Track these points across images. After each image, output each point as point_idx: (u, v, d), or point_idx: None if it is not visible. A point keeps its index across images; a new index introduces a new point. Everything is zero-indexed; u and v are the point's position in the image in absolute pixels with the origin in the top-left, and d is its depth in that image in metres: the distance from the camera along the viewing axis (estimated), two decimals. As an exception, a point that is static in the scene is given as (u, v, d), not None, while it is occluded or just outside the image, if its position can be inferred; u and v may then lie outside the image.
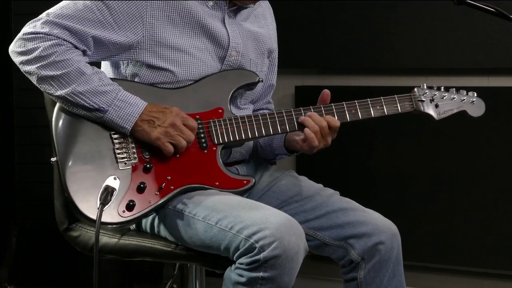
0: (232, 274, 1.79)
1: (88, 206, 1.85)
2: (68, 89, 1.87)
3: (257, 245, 1.74)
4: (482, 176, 3.07)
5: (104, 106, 1.88)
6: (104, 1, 1.90)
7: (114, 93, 1.89)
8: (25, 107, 3.14)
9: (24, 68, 1.90)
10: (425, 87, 2.08)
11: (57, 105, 1.93)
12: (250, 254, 1.75)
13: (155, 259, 2.01)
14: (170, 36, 1.96)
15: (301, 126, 1.99)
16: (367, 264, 2.00)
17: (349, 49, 3.27)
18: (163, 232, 1.97)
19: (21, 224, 3.24)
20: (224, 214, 1.83)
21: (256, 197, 2.10)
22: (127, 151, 1.91)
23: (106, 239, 2.01)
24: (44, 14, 1.91)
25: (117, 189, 1.87)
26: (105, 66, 2.06)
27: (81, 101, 1.87)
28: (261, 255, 1.73)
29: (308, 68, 3.41)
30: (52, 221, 2.16)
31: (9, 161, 3.26)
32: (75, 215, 1.89)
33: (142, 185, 1.89)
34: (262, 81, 2.09)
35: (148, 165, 1.91)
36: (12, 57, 1.93)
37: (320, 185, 2.14)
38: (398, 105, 2.06)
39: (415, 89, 2.08)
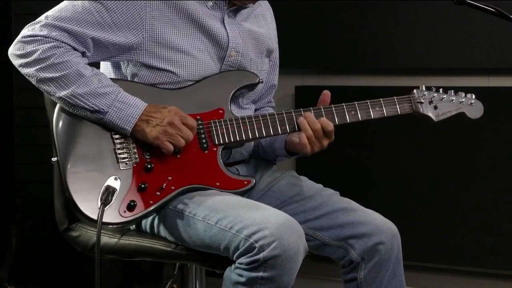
0: (232, 274, 1.80)
1: (89, 206, 1.85)
2: (67, 91, 1.87)
3: (256, 245, 1.74)
4: (482, 176, 3.07)
5: (104, 108, 1.88)
6: (103, 2, 1.90)
7: (114, 94, 1.89)
8: (25, 107, 3.14)
9: (23, 71, 1.90)
10: (424, 88, 2.09)
11: (58, 105, 1.93)
12: (250, 254, 1.75)
13: (155, 259, 2.01)
14: (169, 37, 1.96)
15: (300, 129, 2.00)
16: (367, 264, 2.00)
17: (349, 49, 3.27)
18: (163, 232, 1.97)
19: (21, 224, 3.24)
20: (224, 214, 1.83)
21: (256, 197, 2.10)
22: (128, 151, 1.92)
23: (106, 239, 2.01)
24: (42, 17, 1.91)
25: (118, 189, 1.87)
26: (106, 66, 2.06)
27: (81, 103, 1.87)
28: (261, 255, 1.73)
29: (308, 68, 3.41)
30: (52, 221, 2.16)
31: (9, 161, 3.25)
32: (76, 215, 1.90)
33: (143, 185, 1.89)
34: (262, 82, 2.09)
35: (149, 165, 1.91)
36: (11, 60, 1.93)
37: (320, 185, 2.14)
38: (398, 106, 2.06)
39: (414, 91, 2.09)
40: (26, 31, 1.90)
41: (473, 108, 2.12)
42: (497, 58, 3.01)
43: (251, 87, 2.07)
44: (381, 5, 3.18)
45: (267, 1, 2.23)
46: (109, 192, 1.85)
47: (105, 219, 1.82)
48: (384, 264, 2.00)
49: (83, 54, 1.92)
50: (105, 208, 1.83)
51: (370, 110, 2.04)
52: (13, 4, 3.12)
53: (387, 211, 2.07)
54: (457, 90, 2.14)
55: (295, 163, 3.34)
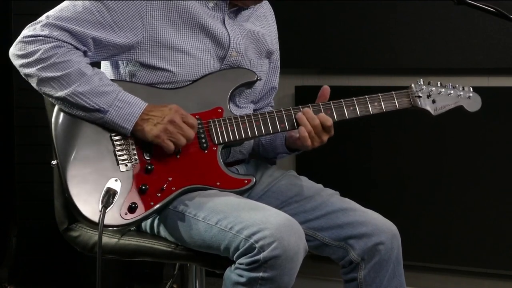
0: (232, 274, 1.80)
1: (90, 209, 1.85)
2: (68, 90, 1.87)
3: (257, 245, 1.74)
4: (482, 176, 3.07)
5: (104, 107, 1.88)
6: (104, 2, 1.90)
7: (115, 93, 1.89)
8: (25, 107, 3.14)
9: (24, 71, 1.90)
10: (421, 82, 2.08)
11: (56, 107, 1.93)
12: (250, 254, 1.75)
13: (155, 259, 2.01)
14: (170, 37, 1.96)
15: (299, 124, 1.99)
16: (367, 264, 2.00)
17: (349, 49, 3.27)
18: (163, 232, 1.97)
19: (21, 224, 3.23)
20: (224, 214, 1.83)
21: (256, 197, 2.10)
22: (127, 152, 1.91)
23: (106, 239, 2.01)
24: (43, 17, 1.91)
25: (118, 191, 1.87)
26: (105, 66, 2.06)
27: (82, 101, 1.87)
28: (261, 255, 1.73)
29: (308, 68, 3.41)
30: (52, 221, 2.16)
31: (9, 161, 3.25)
32: (77, 218, 1.89)
33: (143, 187, 1.89)
34: (261, 79, 2.09)
35: (149, 167, 1.91)
36: (12, 60, 1.93)
37: (320, 185, 2.14)
38: (396, 101, 2.06)
39: (412, 85, 2.09)
40: (27, 31, 1.90)
41: (471, 101, 2.12)
42: (497, 58, 3.01)
43: (250, 84, 2.07)
44: (381, 5, 3.18)
45: (268, 3, 2.23)
46: (109, 195, 1.84)
47: (106, 222, 1.81)
48: (384, 264, 2.00)
49: (85, 54, 1.92)
50: (106, 211, 1.82)
51: (369, 105, 2.04)
52: (13, 4, 3.12)
53: (387, 211, 2.07)
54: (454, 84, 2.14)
55: (295, 163, 3.34)
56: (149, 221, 2.00)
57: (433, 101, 2.09)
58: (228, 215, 1.82)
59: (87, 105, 1.87)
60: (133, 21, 1.92)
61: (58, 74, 1.87)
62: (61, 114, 1.92)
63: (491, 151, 3.05)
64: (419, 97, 2.08)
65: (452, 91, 2.10)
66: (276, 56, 2.25)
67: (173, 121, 1.89)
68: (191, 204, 1.90)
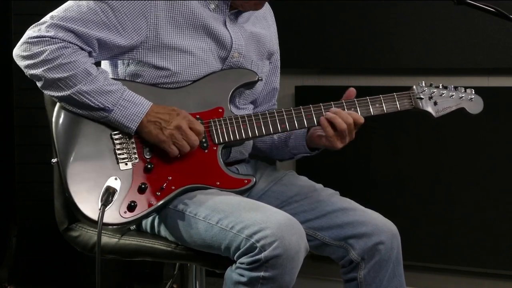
0: (233, 274, 1.80)
1: (90, 207, 1.85)
2: (74, 89, 1.87)
3: (258, 244, 1.74)
4: (482, 176, 3.07)
5: (109, 106, 1.88)
6: (108, 2, 1.90)
7: (120, 92, 1.89)
8: (25, 107, 3.14)
9: (29, 72, 1.90)
10: (423, 84, 2.08)
11: (57, 106, 1.93)
12: (251, 254, 1.75)
13: (155, 259, 2.01)
14: (173, 37, 1.96)
15: (301, 125, 1.99)
16: (367, 264, 2.00)
17: (349, 49, 3.27)
18: (164, 232, 1.97)
19: (21, 224, 3.23)
20: (224, 214, 1.83)
21: (256, 197, 2.10)
22: (127, 151, 1.91)
23: (106, 239, 2.01)
24: (48, 17, 1.90)
25: (118, 189, 1.87)
26: (105, 65, 2.06)
27: (87, 100, 1.87)
28: (262, 255, 1.73)
29: (308, 68, 3.41)
30: (52, 221, 2.16)
31: (9, 161, 3.25)
32: (77, 216, 1.89)
33: (143, 186, 1.89)
34: (261, 79, 2.09)
35: (149, 166, 1.91)
36: (17, 61, 1.93)
37: (320, 185, 2.14)
38: (397, 103, 2.06)
39: (414, 87, 2.09)
40: (31, 32, 1.90)
41: (473, 103, 2.11)
42: (497, 58, 3.02)
43: (251, 85, 2.07)
44: (381, 5, 3.18)
45: (267, 3, 2.23)
46: (109, 193, 1.85)
47: (105, 220, 1.82)
48: (384, 264, 2.00)
49: (90, 54, 1.92)
50: (106, 209, 1.82)
51: (370, 106, 2.04)
52: (13, 4, 3.11)
53: (387, 211, 2.07)
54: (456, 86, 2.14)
55: (295, 163, 3.34)
56: (149, 220, 2.00)
57: (435, 103, 2.09)
58: (228, 214, 1.83)
59: (92, 104, 1.88)
60: (138, 22, 1.92)
61: (65, 75, 1.87)
62: (62, 113, 1.92)
63: (491, 151, 3.05)
64: (421, 98, 2.08)
65: (454, 93, 2.10)
66: (276, 57, 2.25)
67: (179, 127, 1.89)
68: (192, 203, 1.90)
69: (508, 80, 3.06)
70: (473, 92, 2.12)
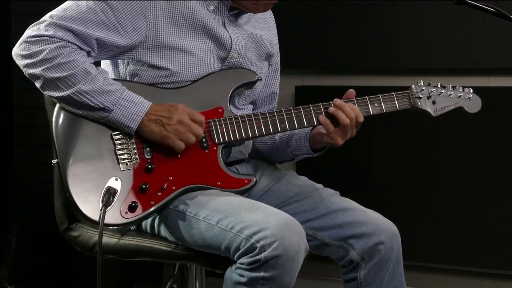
0: (233, 274, 1.80)
1: (90, 208, 1.85)
2: (73, 89, 1.87)
3: (257, 245, 1.74)
4: (482, 176, 3.07)
5: (109, 105, 1.88)
6: (108, 1, 1.90)
7: (119, 92, 1.89)
8: (25, 107, 3.14)
9: (28, 71, 1.90)
10: (422, 83, 2.09)
11: (57, 106, 1.93)
12: (251, 254, 1.75)
13: (155, 259, 2.01)
14: (172, 37, 1.96)
15: (301, 125, 2.00)
16: (367, 264, 2.00)
17: (349, 49, 3.27)
18: (164, 232, 1.97)
19: (21, 224, 3.23)
20: (224, 214, 1.83)
21: (256, 197, 2.10)
22: (128, 151, 1.91)
23: (106, 239, 2.01)
24: (47, 16, 1.90)
25: (119, 190, 1.87)
26: (105, 65, 2.06)
27: (86, 100, 1.87)
28: (262, 255, 1.73)
29: (308, 68, 3.41)
30: (52, 221, 2.16)
31: (9, 161, 3.25)
32: (77, 216, 1.89)
33: (144, 186, 1.89)
34: (261, 79, 2.09)
35: (149, 166, 1.91)
36: (16, 60, 1.92)
37: (320, 185, 2.14)
38: (396, 102, 2.06)
39: (413, 86, 2.09)
40: (30, 31, 1.90)
41: (471, 102, 2.12)
42: (497, 58, 3.02)
43: (250, 85, 2.07)
44: (381, 5, 3.18)
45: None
46: (110, 194, 1.84)
47: (106, 221, 1.81)
48: (384, 264, 2.00)
49: (88, 54, 1.92)
50: (107, 210, 1.82)
51: (369, 106, 2.04)
52: (13, 4, 3.12)
53: (387, 211, 2.07)
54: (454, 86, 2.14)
55: (295, 163, 3.34)
56: (149, 220, 2.00)
57: (433, 102, 2.09)
58: (228, 214, 1.83)
59: (92, 104, 1.88)
60: (137, 21, 1.92)
61: (64, 74, 1.87)
62: (62, 113, 1.92)
63: (491, 151, 3.05)
64: (419, 98, 2.08)
65: (452, 92, 2.11)
66: (276, 59, 2.24)
67: (181, 120, 1.89)
68: (192, 203, 1.90)
69: (508, 80, 3.06)
70: (471, 91, 2.12)
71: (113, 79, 1.98)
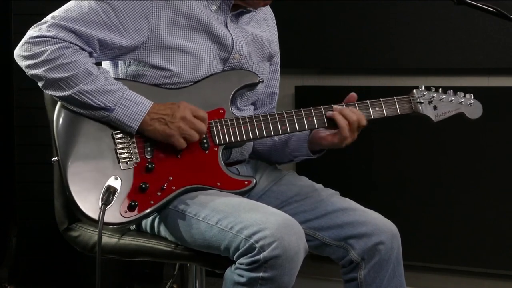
0: (232, 274, 1.80)
1: (90, 206, 1.85)
2: (75, 89, 1.87)
3: (257, 245, 1.74)
4: (482, 176, 3.07)
5: (110, 105, 1.88)
6: (109, 2, 1.90)
7: (121, 92, 1.89)
8: (25, 107, 3.14)
9: (30, 72, 1.90)
10: (423, 88, 2.09)
11: (58, 104, 1.93)
12: (250, 254, 1.75)
13: (155, 259, 2.01)
14: (174, 37, 1.96)
15: (302, 127, 2.00)
16: (367, 264, 2.00)
17: (349, 49, 3.27)
18: (163, 232, 1.97)
19: (21, 224, 3.23)
20: (224, 214, 1.83)
21: (256, 197, 2.10)
22: (128, 151, 1.92)
23: (106, 239, 2.01)
24: (49, 17, 1.90)
25: (118, 189, 1.87)
26: (105, 66, 2.06)
27: (88, 100, 1.87)
28: (261, 255, 1.73)
29: (308, 68, 3.41)
30: (52, 221, 2.16)
31: (9, 161, 3.25)
32: (77, 215, 1.90)
33: (144, 185, 1.89)
34: (262, 81, 2.09)
35: (150, 165, 1.91)
36: (18, 61, 1.92)
37: (320, 185, 2.14)
38: (397, 106, 2.07)
39: (414, 91, 2.10)
40: (32, 32, 1.90)
41: (472, 108, 2.12)
42: (497, 58, 3.02)
43: (252, 86, 2.07)
44: (381, 5, 3.18)
45: (269, 6, 2.23)
46: (110, 192, 1.85)
47: (106, 219, 1.82)
48: (384, 264, 2.00)
49: (90, 54, 1.92)
50: (106, 208, 1.82)
51: (370, 110, 2.04)
52: (13, 4, 3.12)
53: (387, 211, 2.07)
54: (457, 90, 2.15)
55: (295, 163, 3.33)
56: (149, 220, 2.00)
57: (434, 108, 2.10)
58: (228, 215, 1.83)
59: (93, 104, 1.88)
60: (139, 22, 1.92)
61: (66, 74, 1.87)
62: (63, 112, 1.92)
63: (491, 151, 3.05)
64: (421, 103, 2.08)
65: (453, 98, 2.11)
66: (277, 59, 2.24)
67: (184, 117, 1.89)
68: (192, 203, 1.90)
69: (508, 80, 3.06)
70: (472, 97, 2.13)
71: (115, 78, 1.98)
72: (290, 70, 3.32)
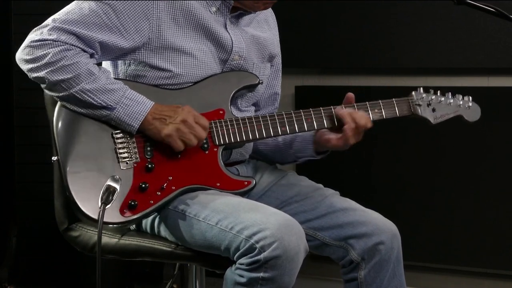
0: (233, 274, 1.80)
1: (90, 205, 1.85)
2: (76, 88, 1.87)
3: (257, 245, 1.74)
4: (482, 176, 3.07)
5: (112, 104, 1.88)
6: (110, 3, 1.90)
7: (122, 91, 1.90)
8: (25, 107, 3.14)
9: (33, 75, 1.90)
10: (422, 91, 2.10)
11: (58, 104, 1.94)
12: (251, 255, 1.75)
13: (155, 259, 2.01)
14: (174, 38, 1.96)
15: (301, 128, 2.00)
16: (367, 264, 2.00)
17: (349, 49, 3.27)
18: (163, 232, 1.97)
19: (21, 224, 3.23)
20: (224, 214, 1.83)
21: (256, 197, 2.10)
22: (128, 150, 1.92)
23: (106, 239, 2.01)
24: (50, 20, 1.90)
25: (118, 189, 1.87)
26: (106, 65, 2.06)
27: (89, 98, 1.88)
28: (262, 256, 1.74)
29: (308, 68, 3.41)
30: (52, 221, 2.16)
31: (9, 161, 3.25)
32: (77, 214, 1.90)
33: (143, 185, 1.89)
34: (262, 83, 2.09)
35: (150, 165, 1.91)
36: (19, 65, 1.93)
37: (320, 185, 2.14)
38: (396, 108, 2.07)
39: (413, 93, 2.10)
40: (34, 35, 1.90)
41: (470, 111, 2.13)
42: (497, 58, 3.02)
43: (251, 88, 2.07)
44: (381, 5, 3.18)
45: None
46: (109, 192, 1.85)
47: (106, 219, 1.81)
48: (384, 264, 2.00)
49: (92, 56, 1.92)
50: (106, 208, 1.82)
51: (369, 111, 2.04)
52: (13, 4, 3.11)
53: (387, 211, 2.07)
54: (457, 90, 2.15)
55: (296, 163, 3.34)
56: (149, 220, 2.00)
57: (433, 110, 2.10)
58: (228, 215, 1.83)
59: (94, 102, 1.88)
60: (140, 23, 1.92)
61: (68, 76, 1.87)
62: (63, 111, 1.92)
63: (491, 151, 3.05)
64: (419, 105, 2.09)
65: (452, 100, 2.12)
66: (278, 60, 2.24)
67: (185, 121, 1.89)
68: (192, 203, 1.90)
69: (508, 80, 3.06)
70: (471, 100, 2.14)
71: (116, 78, 1.98)
72: (290, 70, 3.31)
